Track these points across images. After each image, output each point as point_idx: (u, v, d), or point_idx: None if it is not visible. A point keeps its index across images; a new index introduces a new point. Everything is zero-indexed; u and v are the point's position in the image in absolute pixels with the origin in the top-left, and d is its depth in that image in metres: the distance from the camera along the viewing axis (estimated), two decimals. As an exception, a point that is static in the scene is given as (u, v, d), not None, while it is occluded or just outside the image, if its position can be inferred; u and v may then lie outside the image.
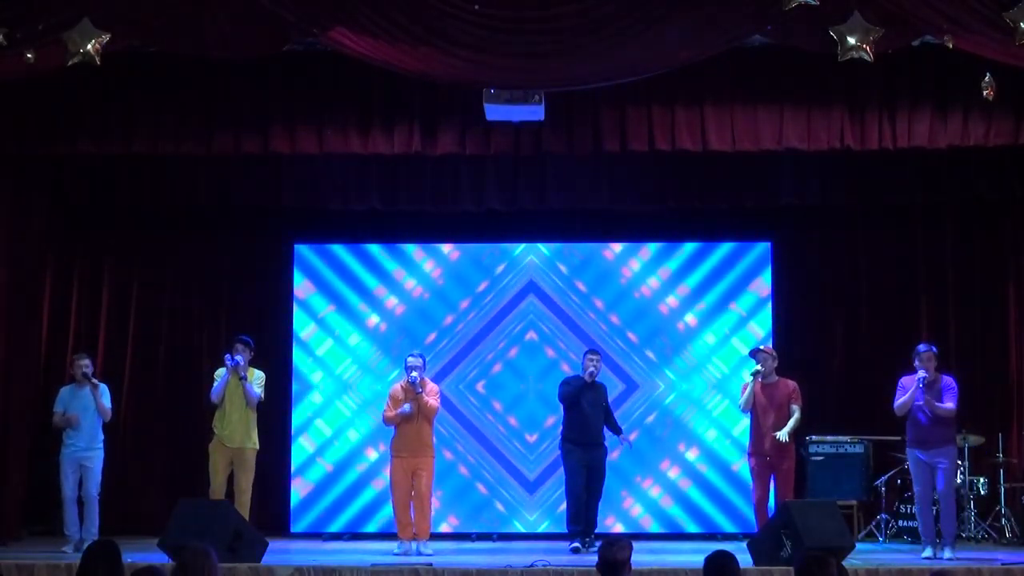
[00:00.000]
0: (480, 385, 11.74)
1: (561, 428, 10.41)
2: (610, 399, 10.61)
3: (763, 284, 11.73)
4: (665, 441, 11.65)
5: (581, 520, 10.16)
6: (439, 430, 10.94)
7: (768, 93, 9.70)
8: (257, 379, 10.09)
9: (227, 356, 10.02)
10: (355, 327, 11.80)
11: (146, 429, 11.69)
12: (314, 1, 8.55)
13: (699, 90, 9.69)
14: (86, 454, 9.88)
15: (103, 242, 11.88)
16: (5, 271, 10.48)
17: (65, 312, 11.67)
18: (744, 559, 7.75)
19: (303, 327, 11.80)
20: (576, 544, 10.02)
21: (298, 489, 11.65)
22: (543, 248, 11.88)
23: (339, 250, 11.92)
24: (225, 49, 8.79)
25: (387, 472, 10.16)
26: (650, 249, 11.84)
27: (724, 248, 11.82)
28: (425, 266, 11.87)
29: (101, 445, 9.99)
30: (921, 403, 9.35)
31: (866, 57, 8.21)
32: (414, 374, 9.84)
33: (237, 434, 9.99)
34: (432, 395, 9.96)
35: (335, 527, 11.52)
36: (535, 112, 9.28)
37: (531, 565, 8.43)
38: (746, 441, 11.22)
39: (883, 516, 10.77)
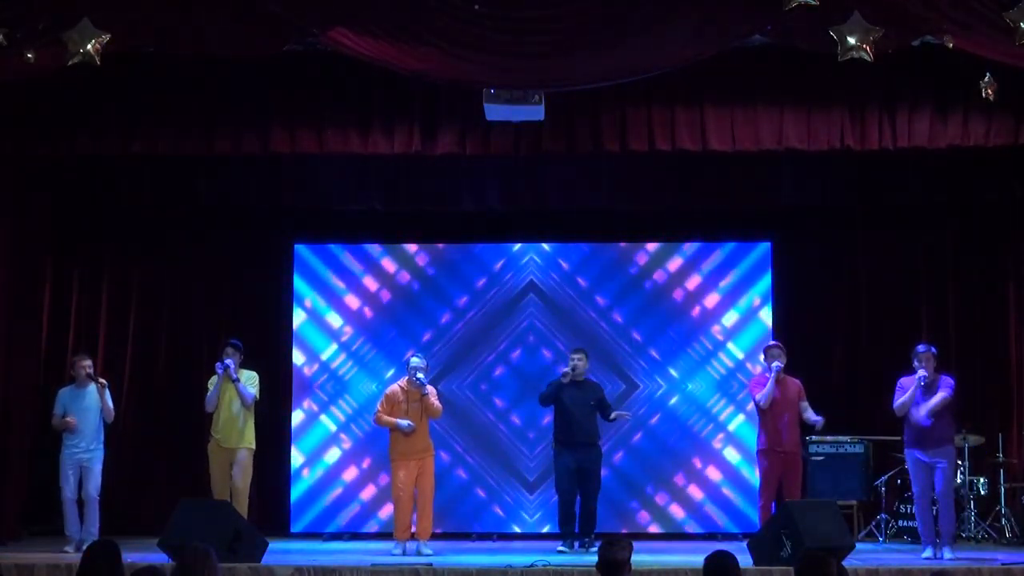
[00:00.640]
0: (480, 385, 11.74)
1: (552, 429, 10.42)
2: (607, 397, 10.55)
3: (763, 284, 11.73)
4: (665, 441, 11.64)
5: (570, 521, 10.10)
6: (440, 430, 10.96)
7: (768, 93, 9.70)
8: (249, 379, 10.10)
9: (217, 364, 10.05)
10: (355, 327, 11.80)
11: (146, 429, 11.69)
12: (314, 1, 8.56)
13: (699, 90, 9.68)
14: (87, 455, 9.87)
15: (103, 242, 11.88)
16: (5, 271, 10.47)
17: (65, 312, 11.67)
18: (744, 559, 7.75)
19: (303, 327, 11.80)
20: (562, 547, 9.96)
21: (298, 489, 11.65)
22: (543, 248, 11.88)
23: (339, 250, 11.92)
24: (225, 49, 8.78)
25: (387, 472, 10.15)
26: (650, 249, 11.84)
27: (724, 248, 11.82)
28: (425, 266, 11.87)
29: (102, 445, 9.99)
30: (918, 408, 9.35)
31: (866, 57, 8.20)
32: (419, 375, 9.82)
33: (232, 435, 10.01)
34: (434, 397, 9.96)
35: (335, 527, 11.52)
36: (535, 112, 9.27)
37: (531, 565, 8.43)
38: (746, 440, 11.27)
39: (883, 516, 10.77)
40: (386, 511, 11.05)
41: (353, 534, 11.42)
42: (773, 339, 11.11)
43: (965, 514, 10.48)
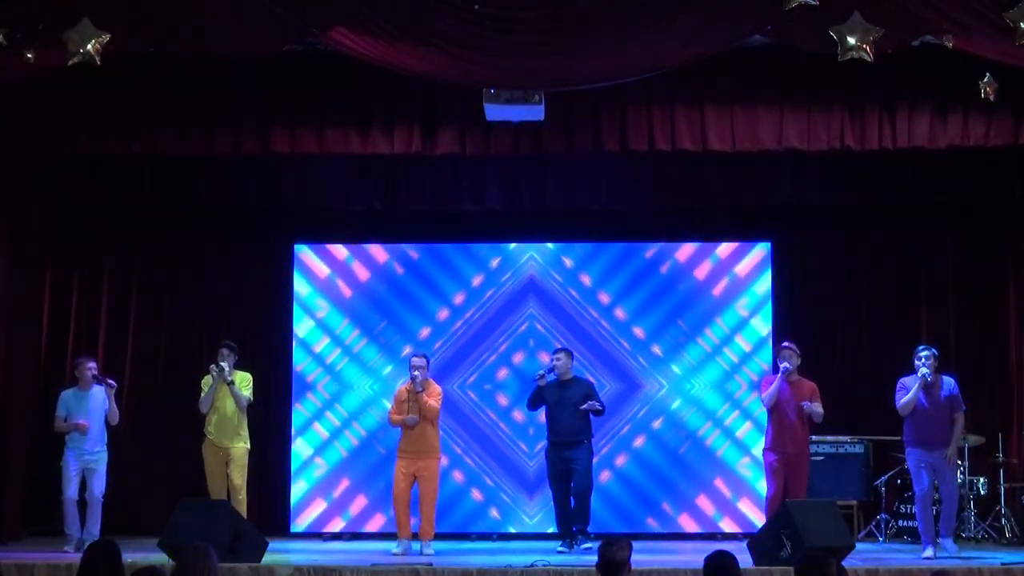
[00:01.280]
0: (480, 385, 11.74)
1: None
2: (605, 396, 10.53)
3: (763, 284, 11.73)
4: (665, 441, 11.64)
5: (565, 520, 10.10)
6: (439, 430, 10.95)
7: (768, 93, 9.70)
8: (243, 380, 10.12)
9: (212, 366, 10.05)
10: (355, 327, 11.80)
11: (146, 429, 11.68)
12: (314, 1, 8.56)
13: (699, 90, 9.68)
14: (92, 457, 9.88)
15: (103, 242, 11.88)
16: (5, 271, 10.48)
17: (65, 312, 11.67)
18: (744, 559, 7.75)
19: (303, 327, 11.80)
20: (562, 547, 9.97)
21: (298, 489, 11.65)
22: (543, 248, 11.88)
23: (339, 250, 11.92)
24: (225, 49, 8.78)
25: (390, 471, 10.16)
26: (650, 249, 11.84)
27: (724, 248, 11.82)
28: (425, 266, 11.87)
29: (106, 447, 10.00)
30: (922, 402, 9.39)
31: (866, 57, 8.20)
32: (415, 373, 9.85)
33: (227, 434, 10.03)
34: (434, 396, 9.96)
35: (335, 527, 11.52)
36: (535, 112, 9.27)
37: (531, 565, 8.43)
38: (746, 440, 11.26)
39: (883, 516, 10.77)
40: (386, 511, 11.05)
41: (353, 534, 11.42)
42: (772, 339, 11.13)
43: (965, 514, 10.48)
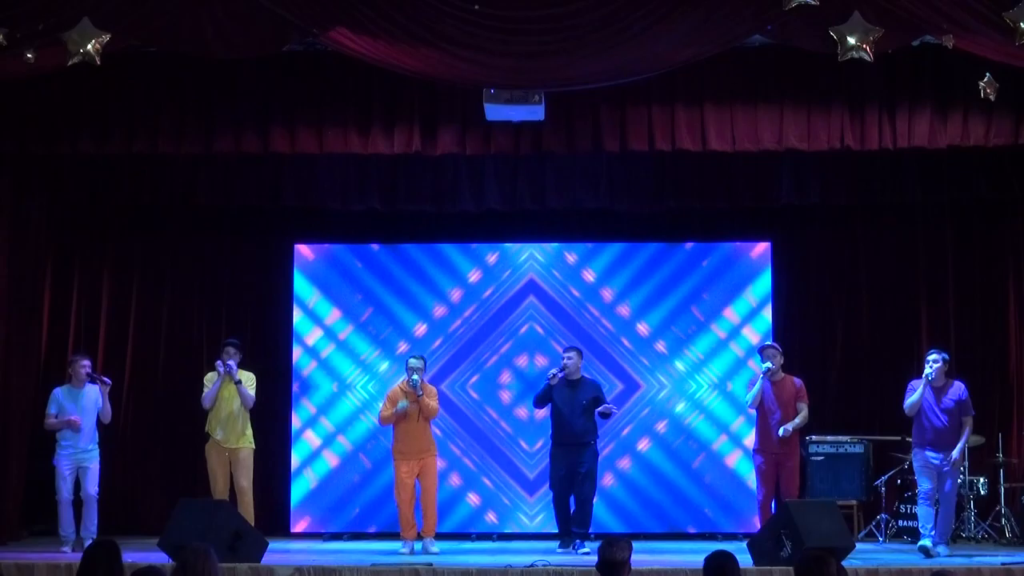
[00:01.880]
0: (480, 385, 11.74)
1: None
2: (608, 398, 10.53)
3: (763, 284, 11.73)
4: (665, 441, 11.64)
5: (564, 521, 10.06)
6: (439, 430, 10.95)
7: (768, 93, 9.69)
8: (248, 380, 10.11)
9: (218, 363, 10.04)
10: (355, 327, 11.80)
11: (146, 429, 11.69)
12: (314, 1, 8.56)
13: (699, 90, 9.68)
14: (85, 455, 9.87)
15: (103, 242, 11.88)
16: (5, 271, 10.47)
17: (65, 312, 11.67)
18: (744, 559, 7.75)
19: (303, 327, 11.80)
20: (560, 548, 9.94)
21: (298, 489, 11.65)
22: (543, 248, 11.88)
23: (339, 250, 11.92)
24: (225, 49, 8.79)
25: (388, 472, 10.17)
26: (650, 249, 11.84)
27: (724, 248, 11.82)
28: (424, 266, 11.87)
29: (97, 445, 9.99)
30: (931, 405, 9.43)
31: (866, 57, 8.21)
32: (415, 376, 9.86)
33: (232, 435, 10.02)
34: (433, 398, 9.99)
35: (335, 527, 11.52)
36: (535, 112, 9.27)
37: (531, 565, 8.43)
38: (746, 440, 11.25)
39: (883, 516, 10.77)
40: (386, 511, 11.04)
41: (353, 534, 11.42)
42: (773, 339, 11.12)
43: (965, 514, 10.48)
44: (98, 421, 10.03)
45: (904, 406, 9.61)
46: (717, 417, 11.64)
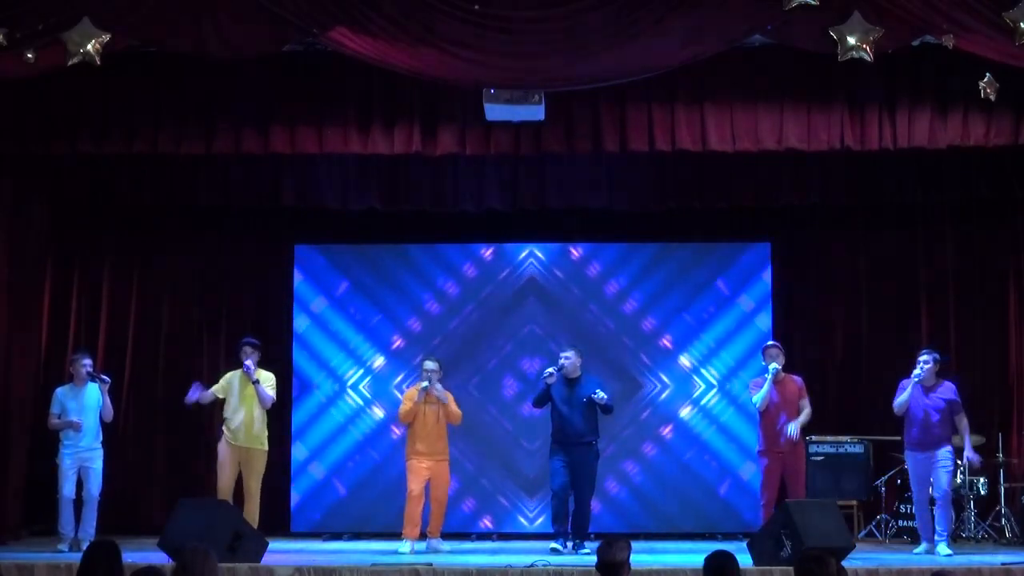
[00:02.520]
0: (480, 385, 11.74)
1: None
2: (608, 398, 10.51)
3: (763, 284, 11.73)
4: (665, 441, 11.64)
5: (562, 520, 9.99)
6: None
7: (768, 93, 9.68)
8: (268, 381, 10.09)
9: (245, 363, 9.99)
10: (355, 327, 11.80)
11: (146, 429, 11.69)
12: (314, 1, 8.56)
13: (699, 90, 9.66)
14: (88, 454, 9.85)
15: (103, 242, 11.88)
16: (5, 271, 10.46)
17: (65, 312, 11.67)
18: (744, 559, 7.75)
19: (303, 327, 11.80)
20: (556, 545, 9.86)
21: (298, 489, 11.65)
22: (543, 248, 11.88)
23: (339, 250, 11.92)
24: (225, 49, 8.79)
25: (388, 472, 10.16)
26: (650, 249, 11.84)
27: (724, 248, 11.82)
28: (424, 266, 11.87)
29: (101, 445, 9.98)
30: (921, 405, 9.41)
31: (866, 57, 8.21)
32: (424, 384, 9.89)
33: (245, 434, 9.99)
34: (453, 403, 10.05)
35: (335, 527, 11.52)
36: (535, 112, 9.27)
37: (531, 565, 8.42)
38: (745, 440, 11.26)
39: (883, 516, 10.77)
40: (386, 511, 11.04)
41: (353, 534, 11.42)
42: (772, 339, 11.12)
43: (965, 514, 10.48)
44: (101, 419, 10.03)
45: (893, 405, 9.62)
46: (717, 417, 11.65)
